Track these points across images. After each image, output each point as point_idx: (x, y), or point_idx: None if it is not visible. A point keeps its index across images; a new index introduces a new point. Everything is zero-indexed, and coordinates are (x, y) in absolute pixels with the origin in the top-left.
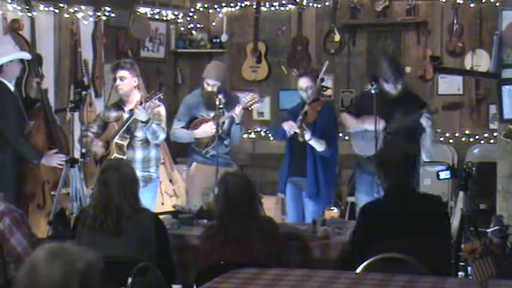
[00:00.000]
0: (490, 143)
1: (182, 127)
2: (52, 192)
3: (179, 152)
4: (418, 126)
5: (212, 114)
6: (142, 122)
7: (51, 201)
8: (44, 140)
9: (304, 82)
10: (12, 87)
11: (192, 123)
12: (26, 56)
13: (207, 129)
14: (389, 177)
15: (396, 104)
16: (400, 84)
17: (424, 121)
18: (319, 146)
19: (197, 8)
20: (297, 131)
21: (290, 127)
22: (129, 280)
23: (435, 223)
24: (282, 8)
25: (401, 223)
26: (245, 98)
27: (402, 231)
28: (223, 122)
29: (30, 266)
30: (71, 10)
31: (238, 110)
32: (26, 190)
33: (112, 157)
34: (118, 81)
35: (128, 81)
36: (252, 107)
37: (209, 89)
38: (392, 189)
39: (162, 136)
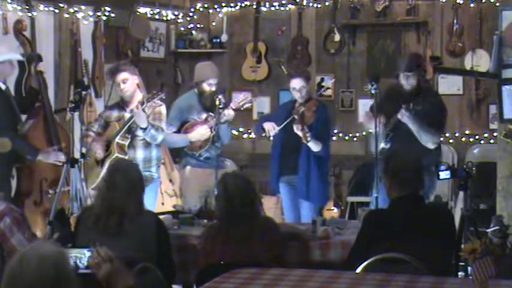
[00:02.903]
0: (490, 143)
1: (173, 132)
2: (50, 191)
3: (179, 152)
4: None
5: (204, 116)
6: (140, 128)
7: (48, 199)
8: (43, 138)
9: (297, 83)
10: (3, 86)
11: (184, 126)
12: (17, 57)
13: (202, 132)
14: (401, 187)
15: (408, 99)
16: (412, 80)
17: (400, 116)
18: (316, 147)
19: (197, 8)
20: (300, 133)
21: (270, 129)
22: (131, 275)
23: (441, 237)
24: (282, 8)
25: (406, 236)
26: (237, 98)
27: (405, 245)
28: (216, 124)
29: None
30: (71, 10)
31: (230, 111)
32: (23, 187)
33: (113, 157)
34: (122, 85)
35: (130, 82)
36: (244, 107)
37: (213, 88)
38: (400, 200)
39: (160, 138)
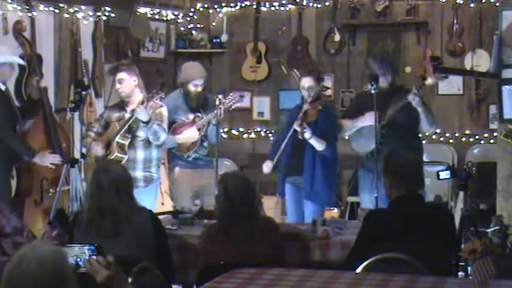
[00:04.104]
0: (490, 143)
1: None
2: (50, 190)
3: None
4: (412, 116)
5: (192, 116)
6: (143, 122)
7: (48, 198)
8: (43, 138)
9: (306, 82)
10: (3, 86)
11: (172, 127)
12: (18, 61)
13: (191, 134)
14: (400, 187)
15: (388, 97)
16: (389, 78)
17: (411, 98)
18: (319, 146)
19: (197, 8)
20: (298, 129)
21: (266, 168)
22: (129, 280)
23: (441, 237)
24: (282, 8)
25: (406, 236)
26: (225, 99)
27: (405, 245)
28: (204, 125)
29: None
30: (71, 10)
31: (221, 112)
32: (23, 186)
33: (113, 156)
34: (118, 85)
35: (127, 83)
36: (232, 107)
37: (199, 89)
38: (400, 200)
39: (163, 137)
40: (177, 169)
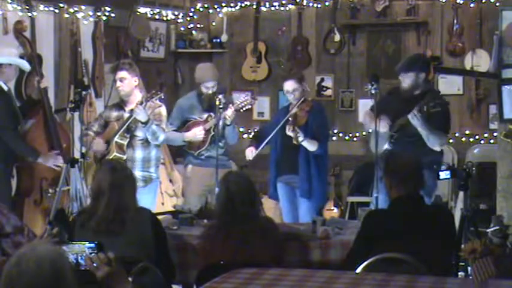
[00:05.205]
0: (490, 143)
1: (174, 130)
2: (50, 190)
3: (179, 152)
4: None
5: (205, 116)
6: (141, 122)
7: (48, 198)
8: (43, 138)
9: (289, 85)
10: (5, 87)
11: (185, 126)
12: (25, 65)
13: (196, 133)
14: (400, 186)
15: (406, 101)
16: (408, 80)
17: (411, 117)
18: (311, 147)
19: (197, 8)
20: (291, 134)
21: (248, 154)
22: (129, 280)
23: (441, 237)
24: (282, 8)
25: (406, 236)
26: (238, 99)
27: (405, 245)
28: (215, 125)
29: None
30: (71, 10)
31: (230, 112)
32: (23, 186)
33: (112, 156)
34: (118, 83)
35: (128, 82)
36: (244, 109)
37: (210, 91)
38: (400, 200)
39: (161, 137)
40: (189, 166)
